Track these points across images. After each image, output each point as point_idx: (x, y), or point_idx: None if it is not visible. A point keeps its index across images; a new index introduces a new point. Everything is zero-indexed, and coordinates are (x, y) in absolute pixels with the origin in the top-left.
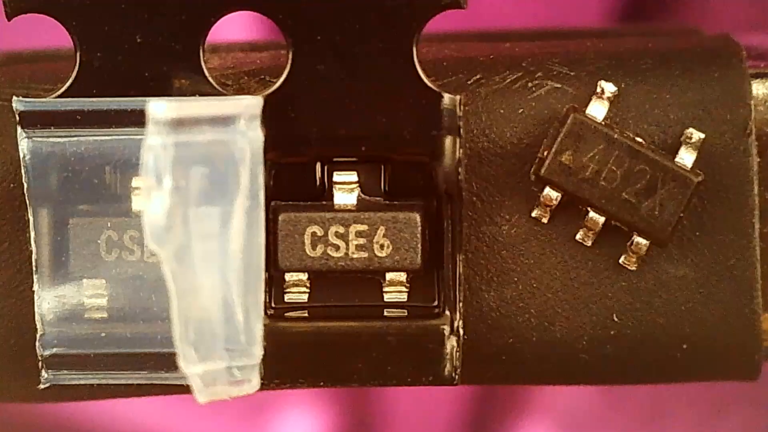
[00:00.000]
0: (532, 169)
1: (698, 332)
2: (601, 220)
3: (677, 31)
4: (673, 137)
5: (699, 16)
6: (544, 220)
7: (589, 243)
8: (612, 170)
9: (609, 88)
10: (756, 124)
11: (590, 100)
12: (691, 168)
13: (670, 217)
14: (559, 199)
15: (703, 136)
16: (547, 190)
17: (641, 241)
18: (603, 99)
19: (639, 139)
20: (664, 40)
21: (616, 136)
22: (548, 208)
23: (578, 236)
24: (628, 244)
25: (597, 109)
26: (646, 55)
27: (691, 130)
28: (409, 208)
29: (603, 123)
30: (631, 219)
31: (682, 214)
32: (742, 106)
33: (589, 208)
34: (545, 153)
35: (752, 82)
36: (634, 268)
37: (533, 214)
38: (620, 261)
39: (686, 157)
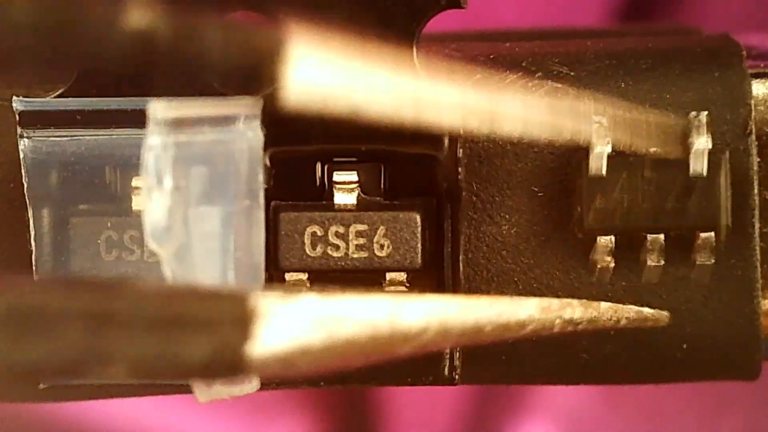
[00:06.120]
0: (576, 230)
1: (698, 332)
2: (661, 237)
3: (677, 31)
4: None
5: (699, 16)
6: (611, 266)
7: (662, 262)
8: (646, 190)
9: (603, 121)
10: (756, 124)
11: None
12: (712, 148)
13: (717, 201)
14: (614, 241)
15: (705, 113)
16: (600, 240)
17: (707, 235)
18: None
19: (653, 149)
20: (664, 40)
21: (631, 159)
22: (609, 252)
23: (649, 262)
24: (697, 244)
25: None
26: (646, 55)
27: (693, 113)
28: (409, 207)
29: (614, 154)
30: (686, 223)
31: (729, 193)
32: (742, 106)
33: (645, 234)
34: (579, 208)
35: (752, 82)
36: (713, 261)
37: (599, 265)
38: (697, 262)
39: (701, 142)
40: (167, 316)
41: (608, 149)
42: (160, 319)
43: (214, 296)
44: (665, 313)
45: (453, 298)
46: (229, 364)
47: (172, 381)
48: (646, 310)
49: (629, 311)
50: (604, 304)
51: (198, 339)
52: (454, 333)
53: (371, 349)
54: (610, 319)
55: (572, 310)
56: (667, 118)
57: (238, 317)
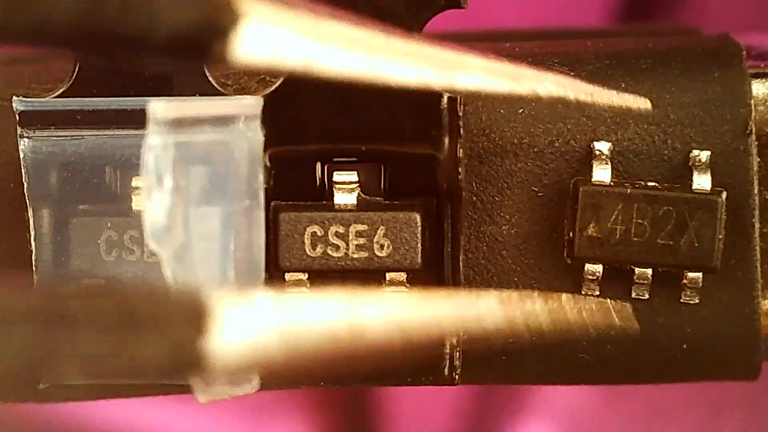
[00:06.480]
0: (565, 253)
1: (698, 332)
2: (649, 271)
3: (677, 31)
4: (674, 137)
5: (699, 16)
6: (596, 294)
7: (646, 296)
8: (639, 224)
9: (603, 147)
10: (756, 124)
11: (591, 164)
12: (710, 190)
13: (710, 243)
14: (601, 270)
15: (709, 153)
16: (588, 267)
17: (694, 275)
18: (603, 159)
19: (651, 183)
20: (664, 40)
21: (629, 191)
22: (596, 281)
23: (633, 294)
24: (684, 282)
25: (602, 173)
26: (646, 55)
27: (695, 152)
28: (409, 208)
29: (612, 183)
30: (675, 261)
31: (721, 236)
32: (742, 106)
33: (633, 267)
34: (570, 234)
35: (752, 82)
36: (697, 301)
37: (583, 291)
38: (681, 300)
39: (702, 181)
40: (119, 315)
41: (607, 179)
42: (112, 317)
43: (167, 293)
44: (627, 304)
45: (411, 296)
46: (185, 362)
47: (132, 381)
48: (609, 301)
49: (591, 302)
50: (565, 296)
51: (151, 337)
52: (415, 332)
53: (329, 348)
54: (572, 309)
55: (532, 302)
56: (669, 148)
57: (191, 314)
